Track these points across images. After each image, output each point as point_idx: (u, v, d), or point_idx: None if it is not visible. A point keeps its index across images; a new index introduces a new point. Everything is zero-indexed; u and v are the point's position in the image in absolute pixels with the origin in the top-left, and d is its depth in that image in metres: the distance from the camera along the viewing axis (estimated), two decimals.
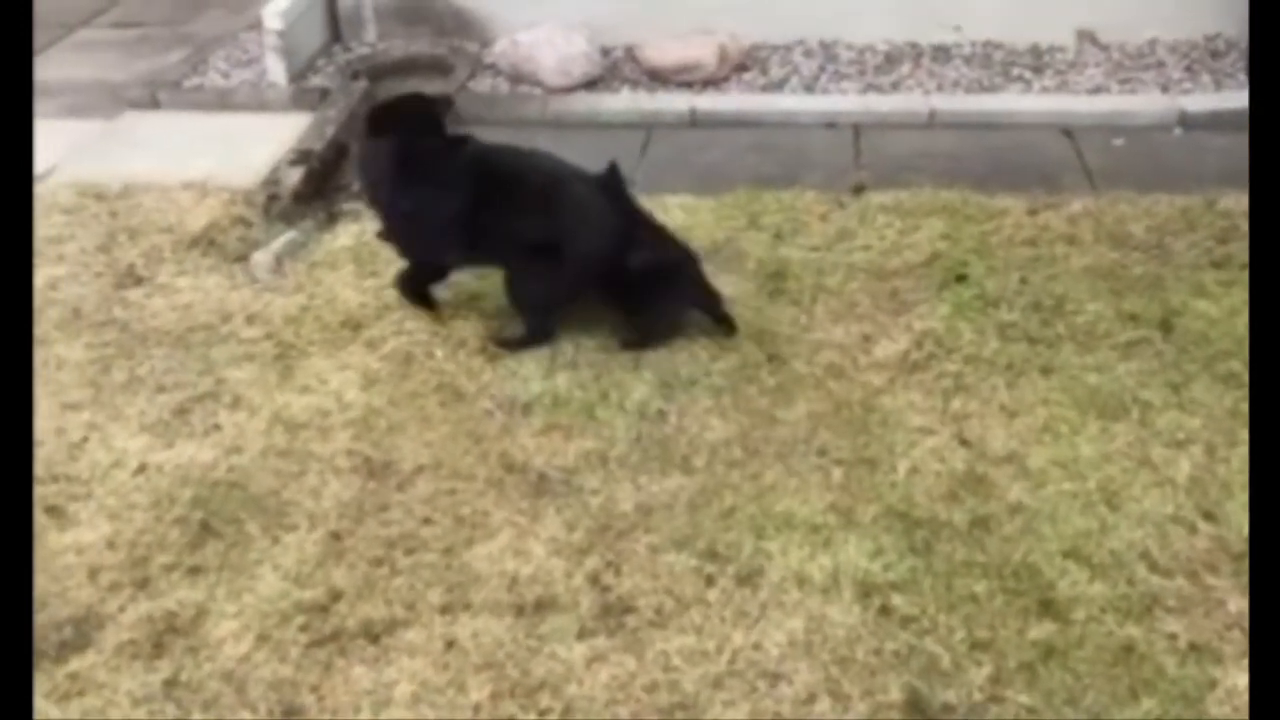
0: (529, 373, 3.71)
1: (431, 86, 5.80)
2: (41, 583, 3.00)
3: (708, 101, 5.63)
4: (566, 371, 3.71)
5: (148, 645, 2.84)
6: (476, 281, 4.14)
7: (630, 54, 5.97)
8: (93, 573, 3.05)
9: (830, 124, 5.42)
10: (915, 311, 3.96)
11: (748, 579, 2.94)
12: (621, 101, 5.68)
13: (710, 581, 2.94)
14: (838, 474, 3.27)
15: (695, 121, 5.53)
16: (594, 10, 5.95)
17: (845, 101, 5.59)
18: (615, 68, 5.93)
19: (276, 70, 5.86)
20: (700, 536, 3.07)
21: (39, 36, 6.86)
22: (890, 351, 3.78)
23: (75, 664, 2.79)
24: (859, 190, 4.77)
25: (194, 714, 2.68)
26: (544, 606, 2.89)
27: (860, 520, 3.11)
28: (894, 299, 4.06)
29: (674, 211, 4.59)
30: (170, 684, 2.74)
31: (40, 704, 2.68)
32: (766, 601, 2.88)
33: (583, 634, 2.82)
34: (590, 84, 5.76)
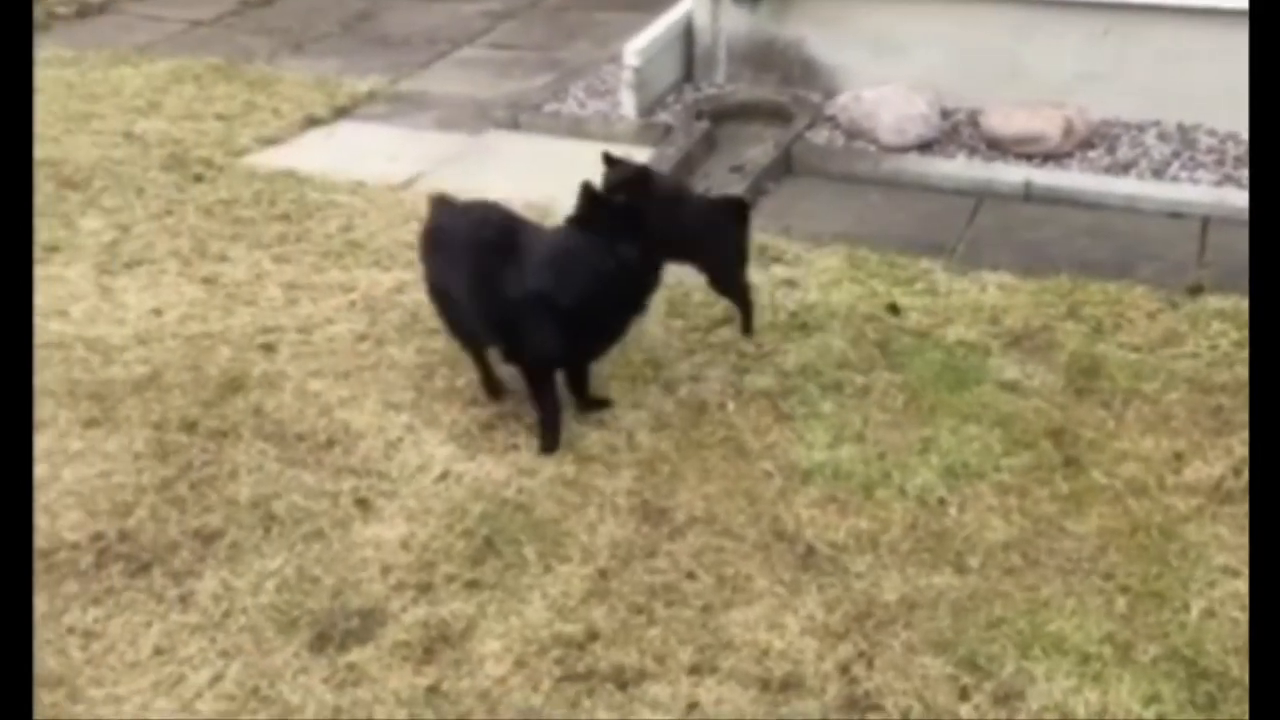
0: (815, 439, 3.64)
1: (770, 132, 5.83)
2: (340, 571, 3.20)
3: (1046, 176, 5.36)
4: (852, 444, 3.62)
5: (419, 649, 2.96)
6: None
7: (972, 119, 5.77)
8: (385, 570, 3.21)
9: (1175, 214, 5.05)
10: (1239, 435, 3.62)
11: (1005, 700, 2.76)
12: (955, 166, 5.50)
13: (965, 695, 2.78)
14: (1122, 602, 3.02)
15: (1029, 195, 5.28)
16: (943, 72, 5.81)
17: (1196, 192, 5.20)
18: (954, 131, 5.75)
19: (628, 104, 6.03)
20: (962, 643, 2.91)
21: (425, 52, 7.37)
22: (1203, 475, 3.47)
23: (355, 655, 2.94)
24: (1196, 291, 4.41)
25: None
26: (790, 686, 2.82)
27: (1139, 659, 2.86)
28: (1216, 416, 3.72)
29: (990, 290, 4.40)
30: (432, 691, 2.85)
31: (317, 687, 2.86)
32: None
33: None
34: (925, 146, 5.61)
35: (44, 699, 2.79)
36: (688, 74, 6.44)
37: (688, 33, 6.39)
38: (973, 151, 5.58)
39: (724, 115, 6.00)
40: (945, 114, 5.77)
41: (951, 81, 5.80)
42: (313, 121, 6.28)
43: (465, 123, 6.29)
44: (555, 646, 2.95)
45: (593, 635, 2.98)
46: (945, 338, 4.16)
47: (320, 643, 2.97)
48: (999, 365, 4.00)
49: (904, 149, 5.58)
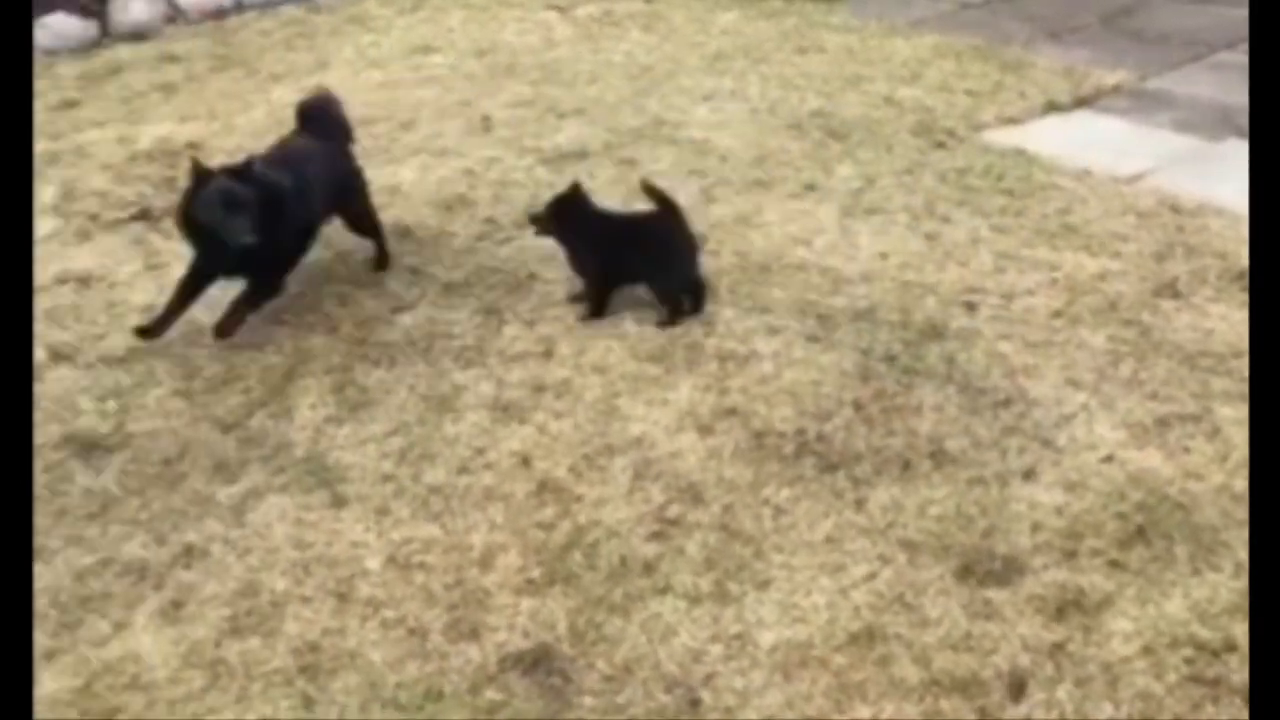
0: None
1: None
2: (994, 518, 3.27)
3: None
4: None
5: (1052, 606, 2.96)
6: None
7: None
8: (1035, 528, 3.23)
9: None
10: None
11: None
12: None
13: None
14: None
15: None
16: None
17: None
18: None
19: None
20: None
21: (1180, 53, 6.96)
22: None
23: (992, 593, 3.01)
24: None
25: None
26: None
27: None
28: None
29: None
30: (1057, 648, 2.84)
31: (954, 610, 2.97)
32: None
33: None
34: None
35: (736, 550, 3.20)
36: None
37: None
38: None
39: None
40: None
41: None
42: (1053, 107, 6.23)
43: (1205, 127, 5.89)
44: (1188, 646, 2.82)
45: (1230, 647, 2.81)
46: None
47: (964, 573, 3.09)
48: None
49: None
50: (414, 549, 3.22)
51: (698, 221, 5.00)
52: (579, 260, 4.36)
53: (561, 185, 4.88)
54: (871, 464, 3.51)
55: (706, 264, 4.58)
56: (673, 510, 3.35)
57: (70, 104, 6.77)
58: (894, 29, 7.61)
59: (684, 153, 5.72)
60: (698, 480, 3.46)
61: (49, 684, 2.77)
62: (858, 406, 3.77)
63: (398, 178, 5.53)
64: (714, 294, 4.43)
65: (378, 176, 5.51)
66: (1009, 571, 3.09)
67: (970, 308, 4.34)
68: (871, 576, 3.09)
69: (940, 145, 5.77)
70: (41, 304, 4.44)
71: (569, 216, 4.30)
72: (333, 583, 3.10)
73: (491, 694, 2.78)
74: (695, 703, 2.75)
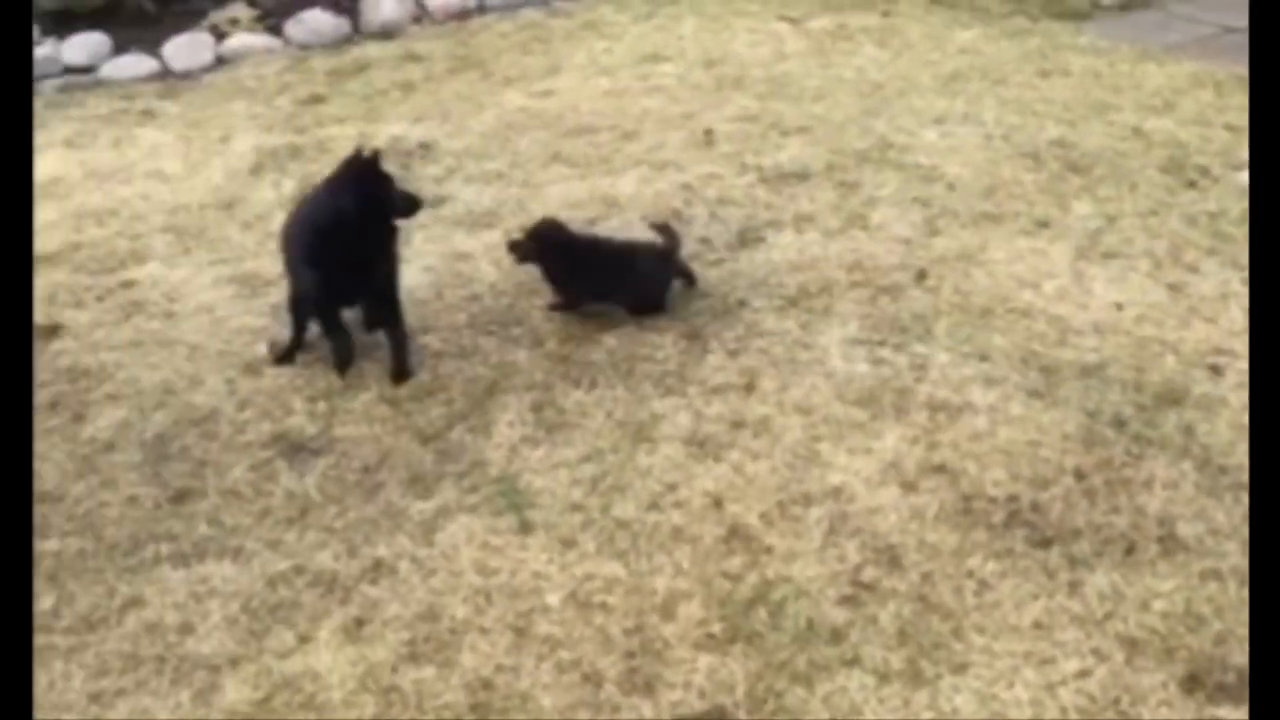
0: None
1: None
2: (1230, 622, 2.92)
3: None
4: None
5: None
6: None
7: None
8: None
9: None
10: None
11: None
12: None
13: None
14: None
15: None
16: None
17: None
18: None
19: None
20: None
21: None
22: None
23: (1224, 712, 2.69)
24: None
25: None
26: None
27: None
28: None
29: None
30: None
31: None
32: None
33: None
34: None
35: (933, 626, 2.96)
36: None
37: None
38: None
39: None
40: None
41: None
42: None
43: None
44: None
45: None
46: None
47: (1190, 683, 2.75)
48: None
49: None
50: (596, 587, 3.12)
51: (916, 254, 4.74)
52: (558, 286, 4.46)
53: (779, 206, 4.69)
54: (1091, 543, 3.19)
55: (922, 300, 4.32)
56: (868, 573, 3.13)
57: (318, 99, 7.01)
58: (1146, 53, 7.04)
59: (909, 178, 5.43)
60: (897, 542, 3.23)
61: (230, 693, 2.80)
62: (1079, 475, 3.45)
63: (615, 190, 5.46)
64: (929, 335, 4.16)
65: (596, 187, 5.48)
66: (1244, 686, 2.74)
67: (1215, 371, 3.93)
68: (1083, 674, 2.79)
69: (1191, 185, 5.27)
70: (269, 300, 4.57)
71: (549, 243, 4.39)
72: (512, 615, 3.03)
73: None
74: None
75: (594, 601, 3.07)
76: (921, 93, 6.53)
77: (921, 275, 4.55)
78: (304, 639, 2.96)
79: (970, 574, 3.11)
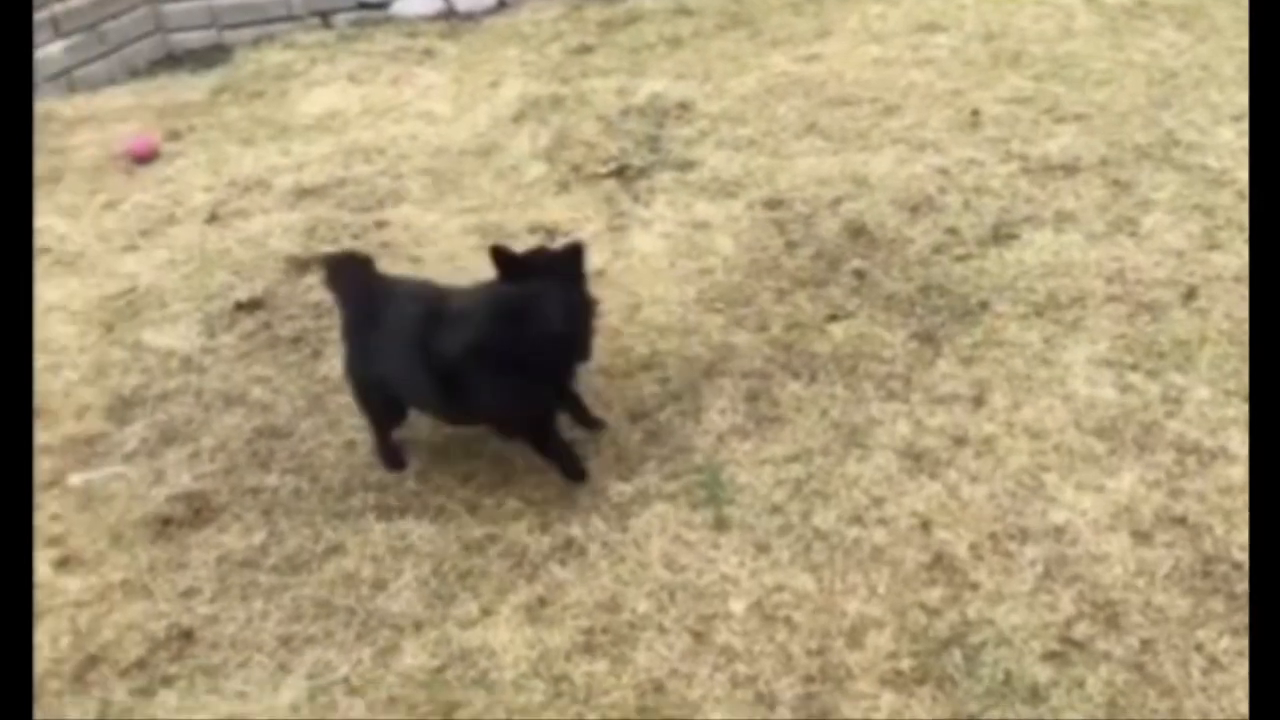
0: None
1: None
2: None
3: None
4: None
5: None
6: None
7: None
8: None
9: None
10: None
11: None
12: None
13: None
14: None
15: None
16: None
17: None
18: None
19: None
20: None
21: None
22: None
23: None
24: None
25: None
26: None
27: None
28: None
29: None
30: None
31: None
32: None
33: None
34: None
35: (1149, 702, 2.65)
36: None
37: None
38: None
39: None
40: None
41: None
42: None
43: None
44: None
45: None
46: None
47: None
48: None
49: None
50: (784, 600, 2.97)
51: (1188, 269, 4.26)
52: None
53: (1041, 201, 4.31)
54: None
55: (1187, 323, 3.88)
56: (1080, 629, 2.84)
57: (585, 49, 7.01)
58: None
59: (1193, 181, 4.87)
60: (1118, 598, 2.91)
61: (408, 658, 2.83)
62: None
63: (868, 168, 5.18)
64: (1190, 364, 3.73)
65: (848, 163, 5.22)
66: None
67: None
68: None
69: None
70: None
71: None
72: (693, 618, 2.92)
73: None
74: None
75: (779, 615, 2.92)
76: (1221, 84, 5.85)
77: (1190, 294, 4.08)
78: (486, 611, 2.97)
79: (1199, 648, 2.77)
